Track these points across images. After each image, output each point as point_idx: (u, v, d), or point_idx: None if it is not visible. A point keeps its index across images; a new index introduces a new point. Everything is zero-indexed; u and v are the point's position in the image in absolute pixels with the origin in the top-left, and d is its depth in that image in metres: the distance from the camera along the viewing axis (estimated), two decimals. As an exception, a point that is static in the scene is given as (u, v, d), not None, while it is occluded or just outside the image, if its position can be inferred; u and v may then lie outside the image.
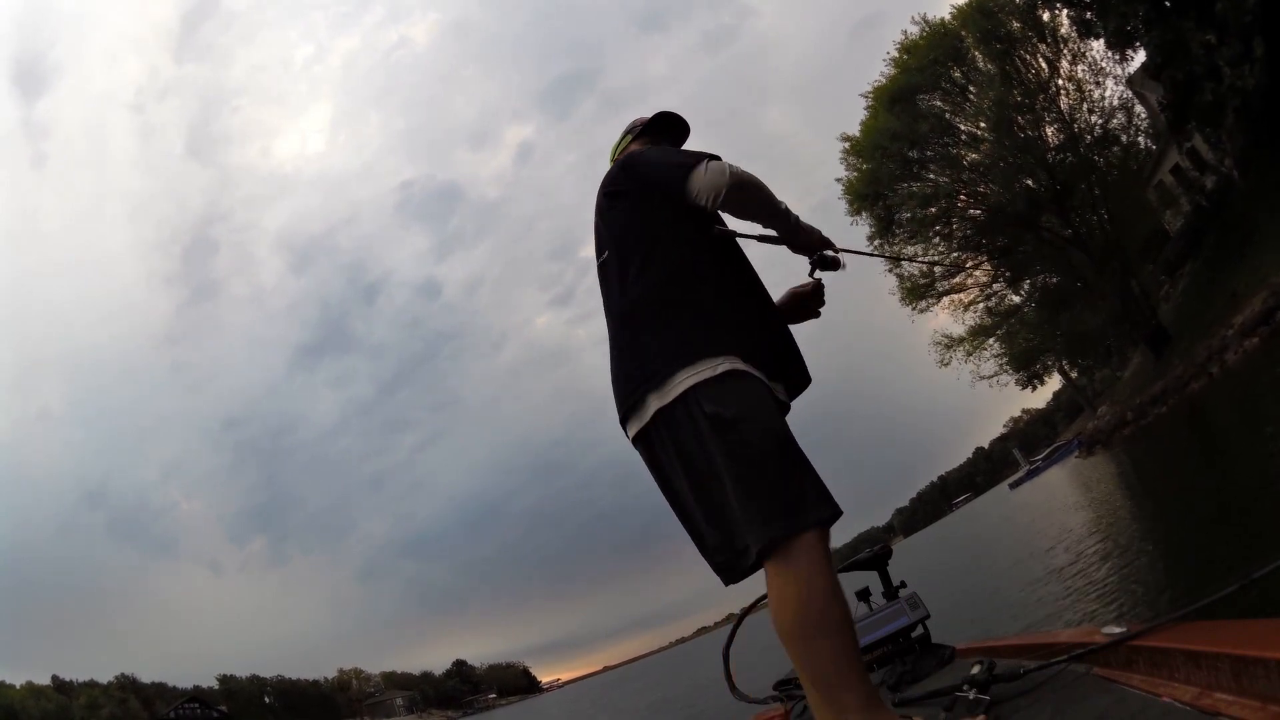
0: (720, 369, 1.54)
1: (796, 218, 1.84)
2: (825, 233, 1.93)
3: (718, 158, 1.73)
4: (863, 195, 24.37)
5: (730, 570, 1.56)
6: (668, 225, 1.74)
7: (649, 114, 2.14)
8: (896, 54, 23.38)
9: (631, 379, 1.63)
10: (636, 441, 1.67)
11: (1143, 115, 24.77)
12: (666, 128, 2.12)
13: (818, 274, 1.96)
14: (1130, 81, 23.23)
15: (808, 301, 2.03)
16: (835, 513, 1.47)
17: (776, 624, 1.44)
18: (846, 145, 24.62)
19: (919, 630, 2.46)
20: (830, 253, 1.92)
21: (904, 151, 23.42)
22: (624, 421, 1.68)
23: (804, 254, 1.90)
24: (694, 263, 1.70)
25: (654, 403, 1.58)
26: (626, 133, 2.16)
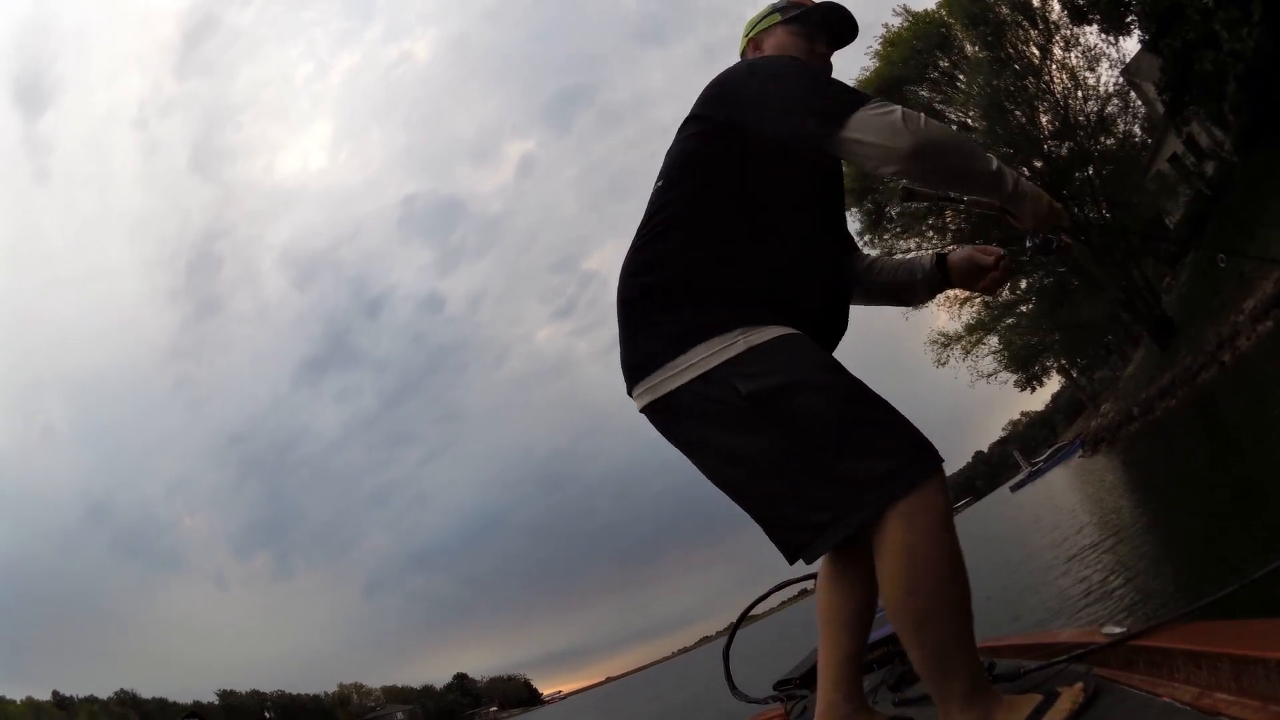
0: (756, 340, 1.31)
1: (1017, 179, 1.39)
2: None
3: (883, 102, 1.32)
4: (850, 189, 24.05)
5: (807, 549, 1.33)
6: (743, 168, 1.41)
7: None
8: (880, 47, 23.31)
9: (645, 345, 1.39)
10: (653, 418, 1.42)
11: (1138, 104, 24.80)
12: (824, 25, 1.63)
13: (1029, 245, 1.53)
14: (1125, 71, 23.28)
15: (984, 274, 1.68)
16: (934, 462, 1.24)
17: (885, 599, 1.25)
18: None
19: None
20: (1060, 239, 1.51)
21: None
22: (633, 392, 1.44)
23: (1024, 227, 1.48)
24: (752, 225, 1.40)
25: (670, 383, 1.34)
26: (774, 9, 1.67)
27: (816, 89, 1.38)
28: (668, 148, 1.53)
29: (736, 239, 1.39)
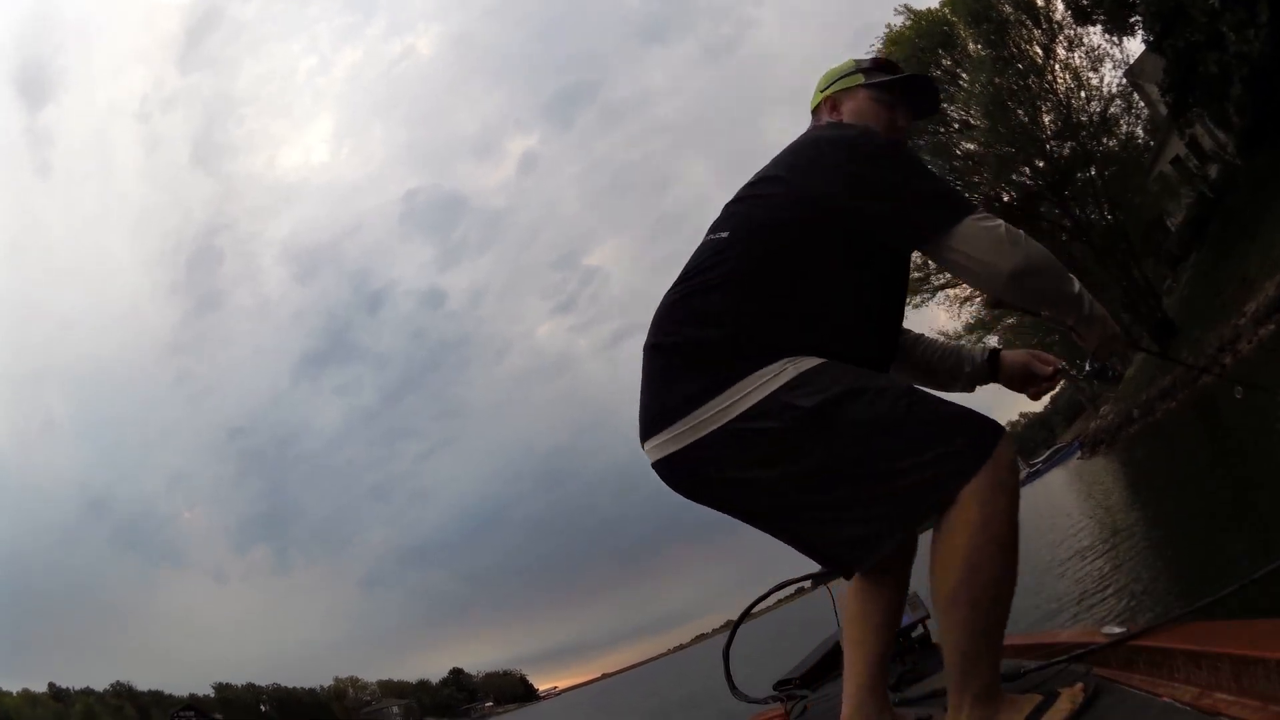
0: (805, 365, 1.28)
1: (1092, 302, 1.38)
2: None
3: (987, 213, 1.31)
4: None
5: (881, 542, 1.29)
6: (818, 240, 1.35)
7: (881, 64, 1.61)
8: (883, 46, 23.19)
9: (681, 389, 1.32)
10: (677, 466, 1.34)
11: (1141, 105, 24.75)
12: (906, 94, 1.59)
13: (1088, 369, 1.54)
14: (1129, 72, 23.24)
15: (1036, 381, 1.66)
16: (998, 431, 1.24)
17: (943, 581, 1.23)
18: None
19: (919, 630, 2.46)
20: (1115, 367, 1.53)
21: (892, 141, 23.22)
22: (657, 439, 1.35)
23: (1087, 348, 1.46)
24: (814, 296, 1.34)
25: (711, 423, 1.28)
26: (857, 71, 1.60)
27: (926, 186, 1.35)
28: (734, 199, 1.47)
29: (795, 306, 1.34)
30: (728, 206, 1.48)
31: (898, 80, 1.58)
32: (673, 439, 1.32)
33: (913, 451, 1.23)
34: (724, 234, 1.41)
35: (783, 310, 1.33)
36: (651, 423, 1.36)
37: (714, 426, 1.28)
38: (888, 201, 1.33)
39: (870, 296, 1.42)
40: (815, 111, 1.65)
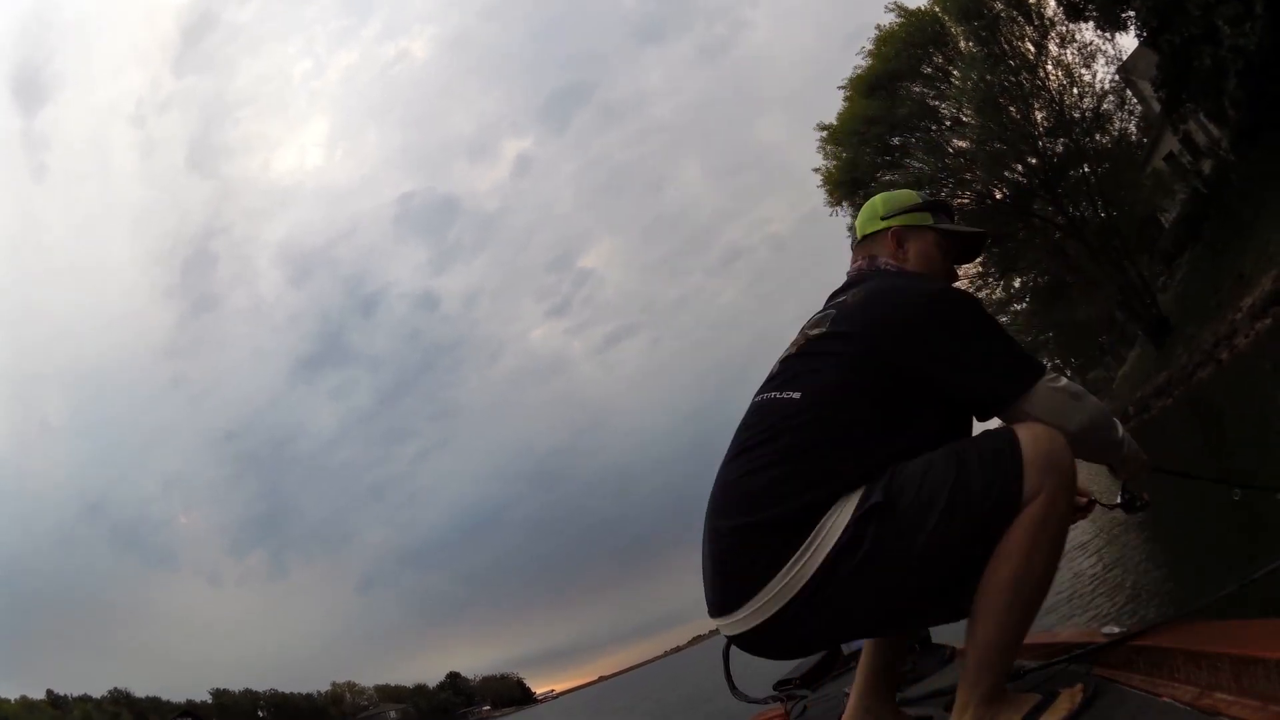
0: (859, 492, 1.26)
1: (1130, 441, 1.44)
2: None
3: (1053, 372, 1.34)
4: (841, 184, 23.54)
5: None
6: (894, 402, 1.33)
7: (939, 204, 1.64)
8: (874, 45, 23.14)
9: (763, 553, 1.27)
10: (761, 637, 1.30)
11: (1134, 101, 24.81)
12: (953, 239, 1.61)
13: (1118, 500, 1.61)
14: (1122, 69, 23.28)
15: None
16: (1015, 442, 1.25)
17: (994, 575, 1.23)
18: (824, 134, 24.00)
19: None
20: (1142, 497, 1.59)
21: (884, 137, 23.02)
22: (721, 616, 1.32)
23: (1119, 480, 1.53)
24: (886, 453, 1.30)
25: (810, 564, 1.24)
26: (926, 206, 1.61)
27: (1002, 355, 1.35)
28: (796, 354, 1.42)
29: (860, 463, 1.30)
30: (789, 362, 1.42)
31: (965, 234, 1.62)
32: (756, 611, 1.28)
33: (979, 491, 1.23)
34: (793, 395, 1.35)
35: (848, 468, 1.29)
36: (726, 601, 1.31)
37: (799, 587, 1.24)
38: (965, 372, 1.34)
39: (935, 445, 1.37)
40: (870, 237, 1.62)
